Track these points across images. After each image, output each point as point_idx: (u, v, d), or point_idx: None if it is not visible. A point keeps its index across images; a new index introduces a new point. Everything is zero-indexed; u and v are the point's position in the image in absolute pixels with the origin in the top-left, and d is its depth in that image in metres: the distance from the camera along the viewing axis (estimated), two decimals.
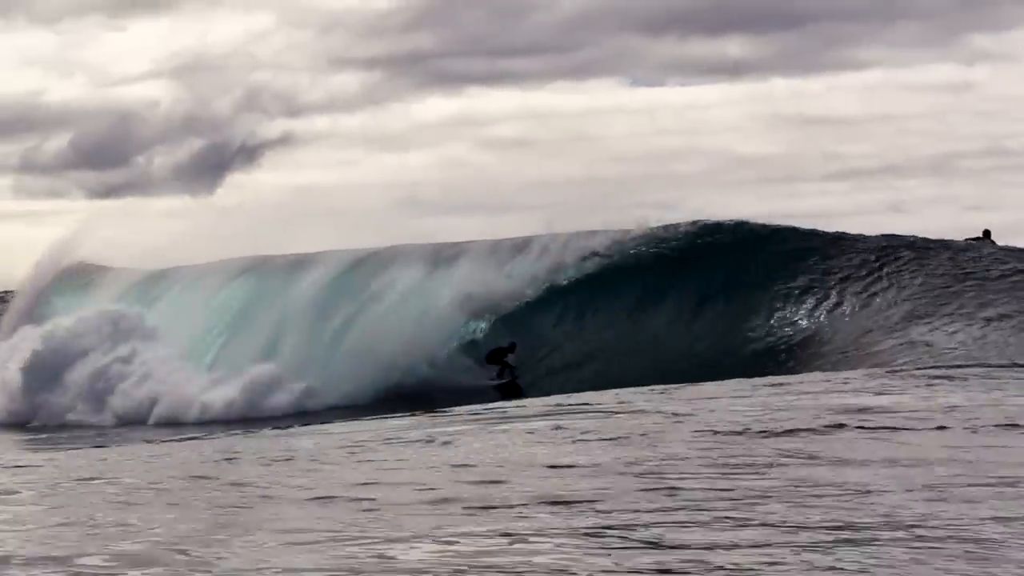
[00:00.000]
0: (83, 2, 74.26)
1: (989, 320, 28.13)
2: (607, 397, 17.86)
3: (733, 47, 77.64)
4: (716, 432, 12.88)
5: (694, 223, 36.77)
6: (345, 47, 71.66)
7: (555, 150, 74.14)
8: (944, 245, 33.77)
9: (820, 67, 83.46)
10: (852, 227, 36.42)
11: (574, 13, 68.62)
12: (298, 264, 37.34)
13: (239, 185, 78.64)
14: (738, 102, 77.74)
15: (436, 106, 76.57)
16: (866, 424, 13.01)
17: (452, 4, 67.30)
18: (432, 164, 75.49)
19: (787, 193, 73.99)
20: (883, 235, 34.84)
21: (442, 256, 36.75)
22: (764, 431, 12.78)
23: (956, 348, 25.86)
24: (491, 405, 18.04)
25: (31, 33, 75.16)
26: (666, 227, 36.73)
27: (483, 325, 35.41)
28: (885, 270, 32.70)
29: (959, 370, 19.56)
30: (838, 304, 31.85)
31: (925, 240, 34.21)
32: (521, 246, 36.73)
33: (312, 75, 71.24)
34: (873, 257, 33.46)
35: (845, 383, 18.00)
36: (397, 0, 76.01)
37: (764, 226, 36.21)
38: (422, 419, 16.25)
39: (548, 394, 21.76)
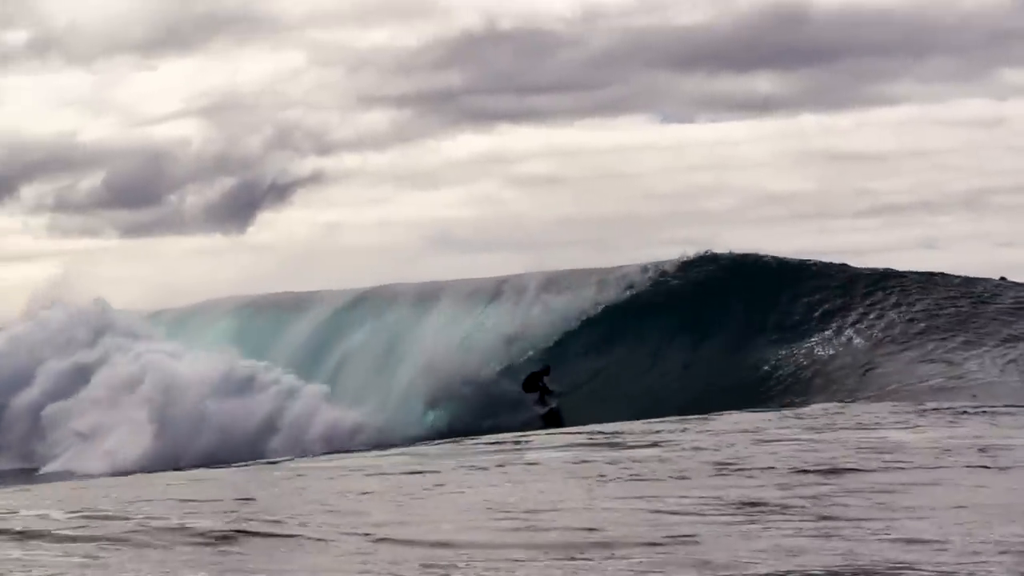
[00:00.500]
0: (115, 42, 74.77)
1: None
2: (643, 427, 18.10)
3: (763, 83, 77.83)
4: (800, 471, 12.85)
5: (718, 256, 37.15)
6: (375, 85, 72.05)
7: (585, 187, 74.47)
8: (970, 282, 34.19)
9: (851, 103, 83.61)
10: (884, 263, 36.69)
11: (603, 50, 69.01)
12: (351, 301, 38.27)
13: (270, 223, 79.56)
14: (768, 138, 77.94)
15: (466, 143, 76.98)
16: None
17: (481, 42, 67.75)
18: (462, 201, 75.82)
19: (818, 229, 74.06)
20: (920, 272, 35.31)
21: (479, 292, 37.43)
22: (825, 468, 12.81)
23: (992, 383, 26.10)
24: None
25: (65, 73, 75.86)
26: (694, 260, 37.10)
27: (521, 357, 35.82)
28: (918, 306, 33.06)
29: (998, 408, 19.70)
30: (866, 336, 32.09)
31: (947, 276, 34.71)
32: (553, 280, 37.23)
33: (342, 113, 71.73)
34: (902, 291, 33.88)
35: (875, 416, 18.26)
36: (426, 38, 76.53)
37: (789, 260, 36.62)
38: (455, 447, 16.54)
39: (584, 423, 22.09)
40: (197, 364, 34.80)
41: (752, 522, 10.01)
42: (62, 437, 34.70)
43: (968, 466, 13.00)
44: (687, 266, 36.99)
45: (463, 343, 35.72)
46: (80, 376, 36.00)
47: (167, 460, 30.55)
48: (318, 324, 38.48)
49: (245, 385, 34.03)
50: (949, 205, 76.56)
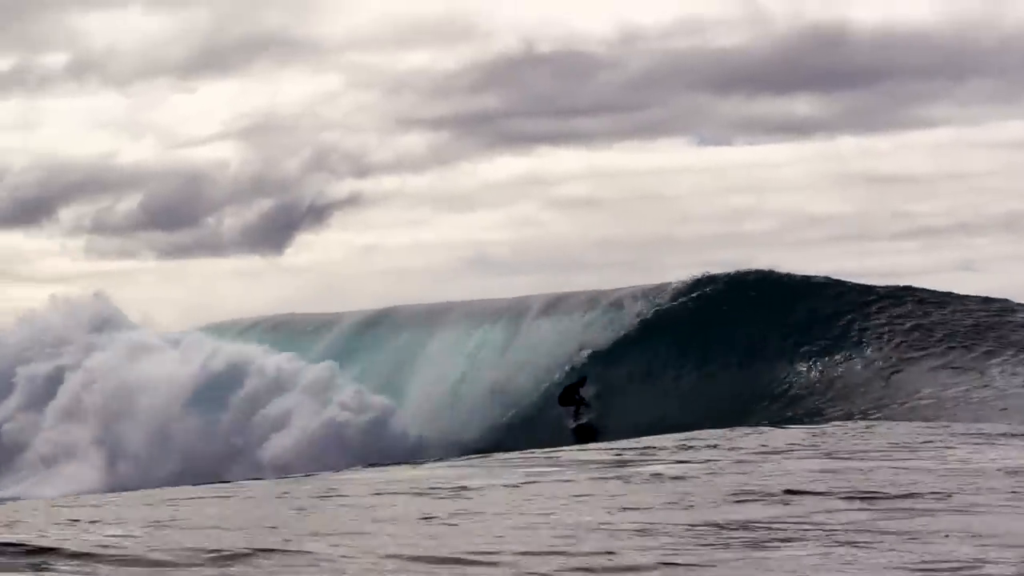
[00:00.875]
0: (153, 65, 74.97)
1: None
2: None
3: (801, 105, 77.49)
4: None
5: (758, 273, 37.00)
6: (413, 107, 71.97)
7: (623, 209, 74.21)
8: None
9: (889, 125, 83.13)
10: (922, 285, 36.36)
11: (641, 72, 68.74)
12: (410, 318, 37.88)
13: (308, 245, 79.64)
14: (807, 160, 77.54)
15: (504, 166, 76.90)
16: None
17: (519, 64, 67.58)
18: (500, 223, 75.74)
19: (857, 252, 73.60)
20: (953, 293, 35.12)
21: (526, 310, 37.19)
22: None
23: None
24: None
25: (102, 96, 76.09)
26: (730, 277, 36.96)
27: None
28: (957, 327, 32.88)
29: None
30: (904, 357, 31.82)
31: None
32: (593, 300, 37.17)
33: (380, 135, 71.69)
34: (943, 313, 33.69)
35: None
36: (464, 61, 76.49)
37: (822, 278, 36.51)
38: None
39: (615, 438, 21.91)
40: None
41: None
42: (25, 460, 32.64)
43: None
44: (699, 284, 36.91)
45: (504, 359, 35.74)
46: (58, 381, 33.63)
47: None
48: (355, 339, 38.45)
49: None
50: (987, 227, 76.04)
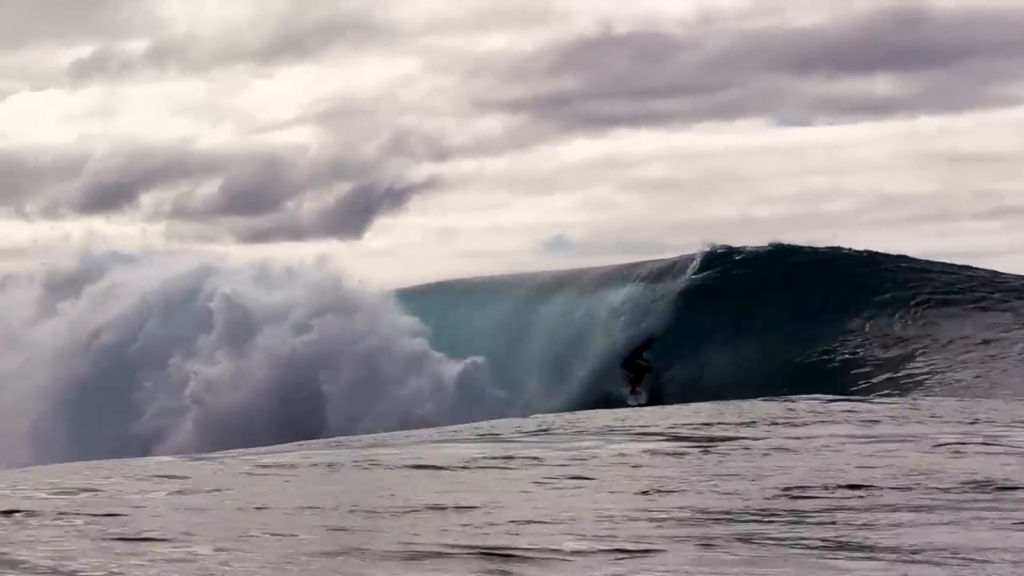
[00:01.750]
0: (232, 51, 75.65)
1: None
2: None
3: (881, 85, 76.93)
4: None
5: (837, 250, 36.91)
6: (490, 90, 72.14)
7: (702, 191, 73.95)
8: None
9: (970, 104, 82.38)
10: (1005, 266, 36.14)
11: (719, 53, 68.37)
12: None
13: (386, 228, 79.87)
14: (887, 140, 76.96)
15: (582, 148, 76.71)
16: None
17: (596, 46, 67.42)
18: (578, 206, 75.70)
19: (938, 232, 73.03)
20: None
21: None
22: None
23: None
24: None
25: (182, 82, 76.70)
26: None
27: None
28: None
29: None
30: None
31: None
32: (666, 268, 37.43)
33: (458, 119, 71.80)
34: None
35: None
36: (541, 43, 76.41)
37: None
38: None
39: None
40: None
41: None
42: None
43: None
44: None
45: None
46: None
47: None
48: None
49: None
50: None
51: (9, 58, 79.61)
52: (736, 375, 32.48)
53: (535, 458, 13.41)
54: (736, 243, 37.88)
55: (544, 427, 17.01)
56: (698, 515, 9.43)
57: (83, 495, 10.99)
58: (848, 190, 74.12)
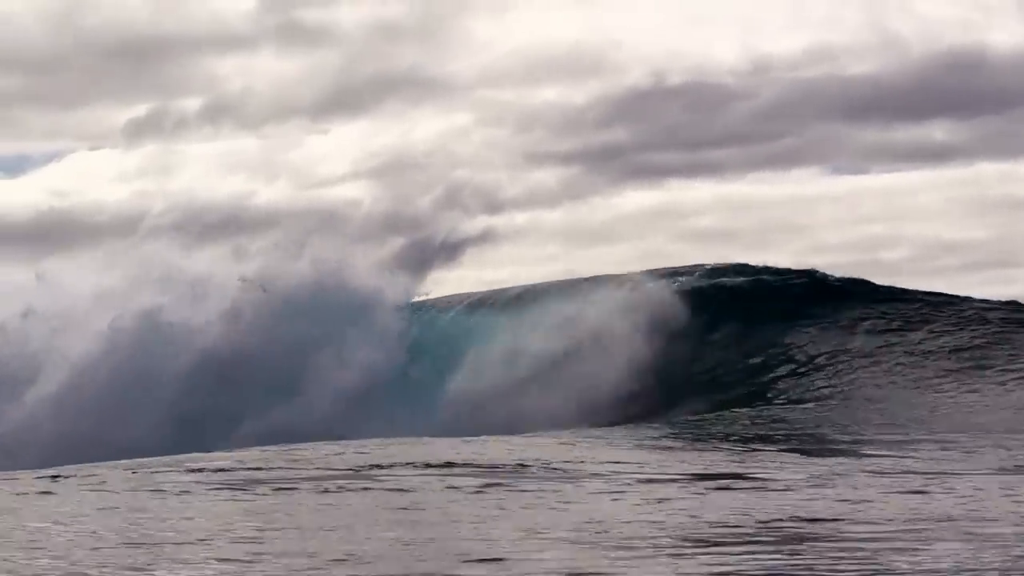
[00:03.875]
0: (287, 107, 76.07)
1: None
2: None
3: (938, 132, 76.50)
4: None
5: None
6: (543, 143, 72.20)
7: (757, 240, 73.66)
8: None
9: None
10: None
11: (773, 102, 68.22)
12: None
13: (441, 282, 80.00)
14: (944, 187, 76.51)
15: (635, 199, 76.57)
16: None
17: (649, 97, 67.46)
18: (632, 256, 75.59)
19: (997, 279, 72.50)
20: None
21: None
22: None
23: None
24: None
25: (238, 139, 77.26)
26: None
27: None
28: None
29: None
30: None
31: None
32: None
33: (511, 171, 71.91)
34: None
35: None
36: (594, 95, 76.49)
37: None
38: None
39: None
40: None
41: None
42: None
43: None
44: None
45: None
46: None
47: None
48: None
49: None
50: None
51: (66, 117, 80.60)
52: None
53: None
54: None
55: None
56: None
57: None
58: (905, 238, 73.78)
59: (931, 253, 74.62)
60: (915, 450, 19.30)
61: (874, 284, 36.93)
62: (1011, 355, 30.67)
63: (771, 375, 32.15)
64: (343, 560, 9.34)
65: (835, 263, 70.92)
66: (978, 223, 75.82)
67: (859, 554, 9.49)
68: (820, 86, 69.77)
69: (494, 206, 69.13)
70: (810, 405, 28.38)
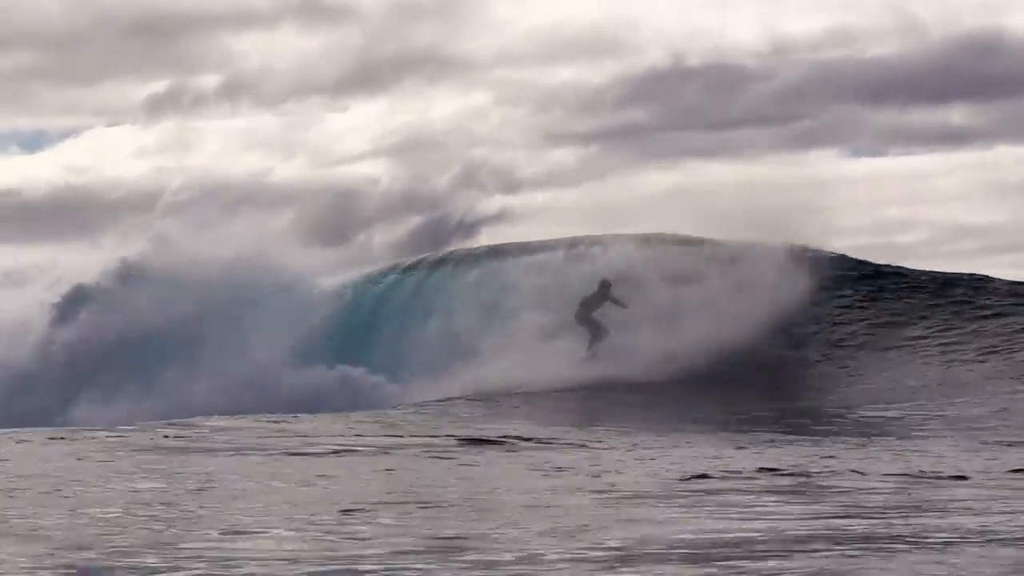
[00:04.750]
0: (305, 85, 76.04)
1: None
2: None
3: (956, 115, 76.23)
4: None
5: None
6: (561, 123, 72.02)
7: (775, 221, 73.35)
8: None
9: None
10: None
11: (792, 84, 67.97)
12: None
13: None
14: (962, 170, 76.24)
15: (654, 179, 76.36)
16: None
17: (667, 77, 67.25)
18: (651, 238, 75.16)
19: (1014, 262, 72.21)
20: None
21: None
22: None
23: None
24: None
25: (255, 116, 77.19)
26: None
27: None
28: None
29: None
30: None
31: None
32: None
33: (529, 151, 71.80)
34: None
35: None
36: (613, 75, 76.25)
37: None
38: None
39: None
40: None
41: None
42: None
43: None
44: None
45: None
46: None
47: None
48: None
49: None
50: None
51: (85, 94, 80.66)
52: None
53: None
54: None
55: None
56: None
57: None
58: (923, 221, 73.53)
59: (949, 236, 74.46)
60: None
61: None
62: None
63: None
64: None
65: (852, 246, 70.76)
66: (996, 207, 75.63)
67: None
68: (839, 68, 69.52)
69: (512, 185, 68.94)
70: None
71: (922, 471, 13.53)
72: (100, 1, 74.81)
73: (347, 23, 76.85)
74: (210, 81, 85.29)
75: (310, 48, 74.61)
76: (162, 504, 10.95)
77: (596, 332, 31.50)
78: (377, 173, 78.69)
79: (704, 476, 12.88)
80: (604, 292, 31.97)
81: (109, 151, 77.71)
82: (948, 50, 69.70)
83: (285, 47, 74.41)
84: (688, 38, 75.90)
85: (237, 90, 74.04)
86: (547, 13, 75.82)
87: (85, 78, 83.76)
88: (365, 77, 74.84)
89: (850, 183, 75.12)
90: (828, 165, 74.75)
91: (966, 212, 76.62)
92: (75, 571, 7.91)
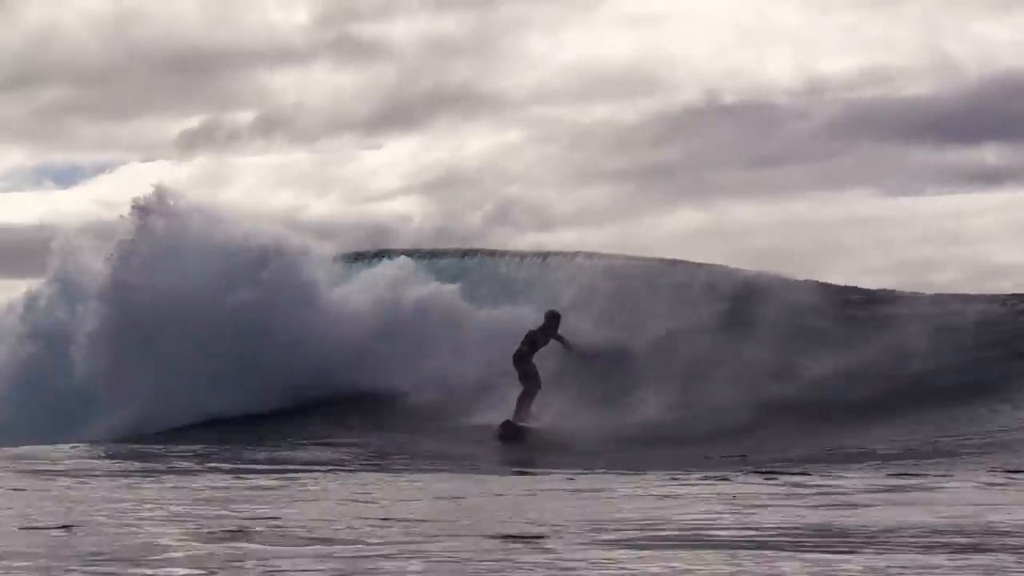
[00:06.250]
0: (339, 121, 76.35)
1: None
2: None
3: (990, 155, 75.98)
4: None
5: None
6: (595, 160, 72.05)
7: (810, 261, 73.28)
8: None
9: None
10: None
11: (827, 122, 67.85)
12: None
13: None
14: (997, 210, 75.99)
15: (687, 218, 76.35)
16: None
17: (701, 115, 67.22)
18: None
19: None
20: None
21: None
22: None
23: None
24: None
25: (290, 152, 77.50)
26: None
27: None
28: None
29: None
30: None
31: None
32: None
33: (562, 189, 71.83)
34: None
35: None
36: (647, 113, 76.28)
37: None
38: None
39: None
40: None
41: None
42: None
43: None
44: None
45: None
46: None
47: None
48: None
49: None
50: None
51: (119, 128, 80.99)
52: None
53: None
54: None
55: None
56: None
57: None
58: (957, 260, 73.26)
59: (983, 275, 74.17)
60: None
61: None
62: None
63: None
64: None
65: (885, 284, 70.48)
66: None
67: None
68: (874, 107, 69.39)
69: (545, 223, 69.01)
70: None
71: None
72: (136, 36, 75.26)
73: (381, 60, 77.13)
74: (245, 117, 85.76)
75: (344, 85, 74.91)
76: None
77: (527, 381, 27.11)
78: (410, 210, 78.78)
79: None
80: (552, 325, 28.03)
81: (143, 186, 78.00)
82: (984, 90, 69.56)
83: (319, 84, 74.74)
84: (723, 76, 75.90)
85: (271, 126, 74.39)
86: (581, 50, 75.86)
87: (120, 113, 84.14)
88: (399, 114, 75.08)
89: (885, 222, 74.99)
90: (863, 204, 74.66)
91: (1002, 252, 76.34)
92: None
